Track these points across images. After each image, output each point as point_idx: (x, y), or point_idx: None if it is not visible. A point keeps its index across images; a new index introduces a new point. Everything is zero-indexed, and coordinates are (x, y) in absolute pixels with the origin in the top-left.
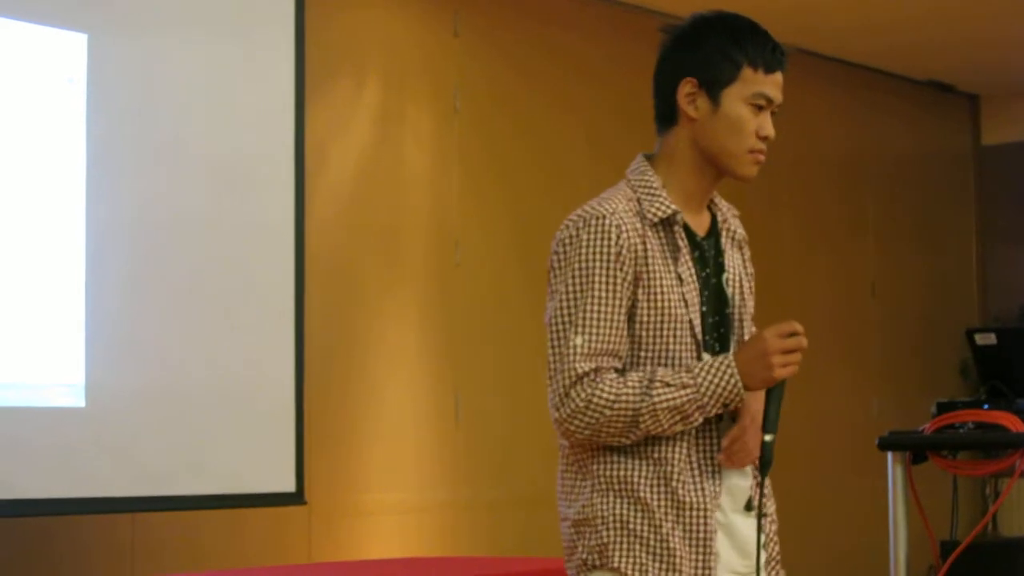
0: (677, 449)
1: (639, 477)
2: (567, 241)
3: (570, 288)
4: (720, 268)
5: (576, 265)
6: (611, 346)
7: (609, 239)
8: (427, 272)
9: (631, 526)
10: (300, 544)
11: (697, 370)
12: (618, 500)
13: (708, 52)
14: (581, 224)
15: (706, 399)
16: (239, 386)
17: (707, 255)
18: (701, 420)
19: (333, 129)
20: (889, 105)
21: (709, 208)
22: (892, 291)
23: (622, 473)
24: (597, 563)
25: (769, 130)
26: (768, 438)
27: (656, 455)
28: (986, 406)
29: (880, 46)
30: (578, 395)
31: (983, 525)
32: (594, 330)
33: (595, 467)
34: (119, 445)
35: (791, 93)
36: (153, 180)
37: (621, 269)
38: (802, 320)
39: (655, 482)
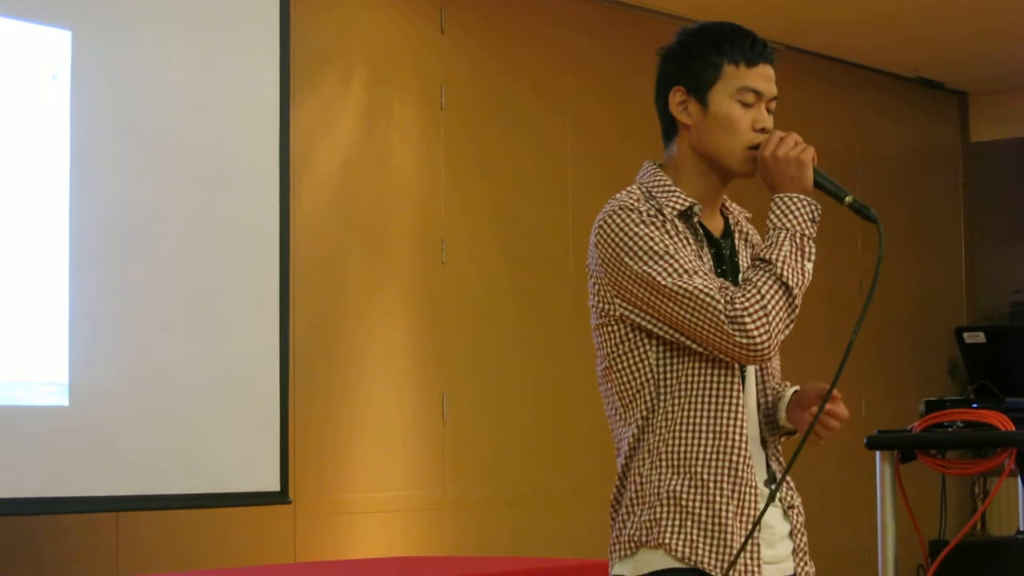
0: (736, 424)
1: (698, 451)
2: (612, 230)
3: (644, 256)
4: (735, 268)
5: (632, 240)
6: (706, 269)
7: (650, 215)
8: (413, 270)
9: (683, 502)
10: (285, 543)
11: (775, 220)
12: (675, 476)
13: (691, 59)
14: (617, 211)
15: (798, 226)
16: (223, 385)
17: (723, 253)
18: (813, 244)
19: (319, 126)
20: (878, 102)
21: (722, 212)
22: (881, 289)
23: (681, 448)
24: (645, 539)
25: (765, 121)
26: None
27: (718, 428)
28: (975, 405)
29: (869, 43)
30: (741, 307)
31: (972, 524)
32: (693, 265)
33: (655, 444)
34: (103, 444)
35: (779, 91)
36: (138, 177)
37: (672, 228)
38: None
39: (714, 456)
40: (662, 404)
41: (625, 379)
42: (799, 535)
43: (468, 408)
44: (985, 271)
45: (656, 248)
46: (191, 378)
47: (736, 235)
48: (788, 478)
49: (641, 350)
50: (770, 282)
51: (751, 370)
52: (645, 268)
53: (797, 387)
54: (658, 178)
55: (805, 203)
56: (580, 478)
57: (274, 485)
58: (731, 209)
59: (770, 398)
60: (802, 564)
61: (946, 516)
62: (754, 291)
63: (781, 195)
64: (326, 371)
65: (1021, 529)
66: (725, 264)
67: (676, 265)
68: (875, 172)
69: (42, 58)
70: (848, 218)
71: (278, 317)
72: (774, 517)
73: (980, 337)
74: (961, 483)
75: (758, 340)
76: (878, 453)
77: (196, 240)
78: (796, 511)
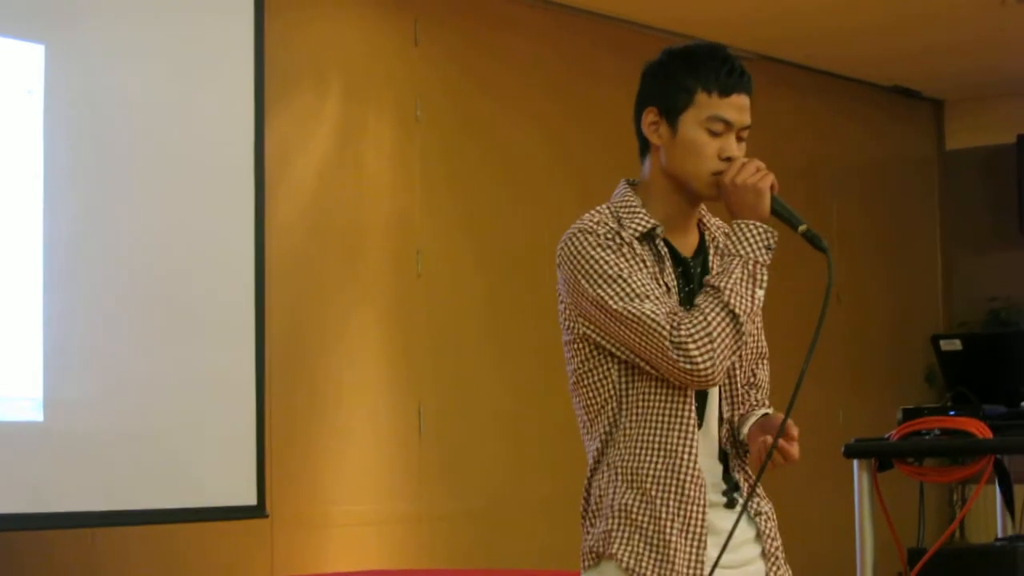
0: (686, 444)
1: (648, 468)
2: (570, 252)
3: (597, 280)
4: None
5: (588, 263)
6: (659, 292)
7: (608, 237)
8: (388, 282)
9: (633, 516)
10: (263, 557)
11: (730, 247)
12: (628, 491)
13: (667, 81)
14: (576, 233)
15: (751, 253)
16: (199, 398)
17: (691, 271)
18: (766, 271)
19: (294, 139)
20: (854, 111)
21: (699, 228)
22: (857, 298)
23: (634, 464)
24: (601, 550)
25: (731, 150)
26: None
27: (668, 446)
28: (952, 413)
29: (844, 53)
30: (686, 334)
31: (950, 532)
32: (645, 289)
33: (613, 459)
34: (78, 459)
35: (758, 102)
36: (112, 191)
37: (629, 252)
38: (767, 328)
39: (662, 474)
40: (622, 421)
41: (591, 395)
42: (769, 539)
43: (444, 420)
44: (961, 279)
45: (610, 272)
46: (166, 392)
47: (711, 252)
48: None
49: (605, 368)
50: (717, 309)
51: (713, 388)
52: (599, 291)
53: (768, 411)
54: (626, 199)
55: (760, 230)
56: (554, 490)
57: (251, 499)
58: (708, 225)
59: (738, 412)
60: (775, 569)
61: (924, 524)
62: (700, 317)
63: (738, 222)
64: (302, 384)
65: (999, 536)
66: (692, 283)
67: (628, 289)
68: (851, 181)
69: (16, 73)
70: (824, 224)
71: (253, 330)
72: (727, 521)
73: (956, 344)
74: (939, 491)
75: (701, 366)
76: (856, 461)
77: (171, 254)
78: (764, 517)
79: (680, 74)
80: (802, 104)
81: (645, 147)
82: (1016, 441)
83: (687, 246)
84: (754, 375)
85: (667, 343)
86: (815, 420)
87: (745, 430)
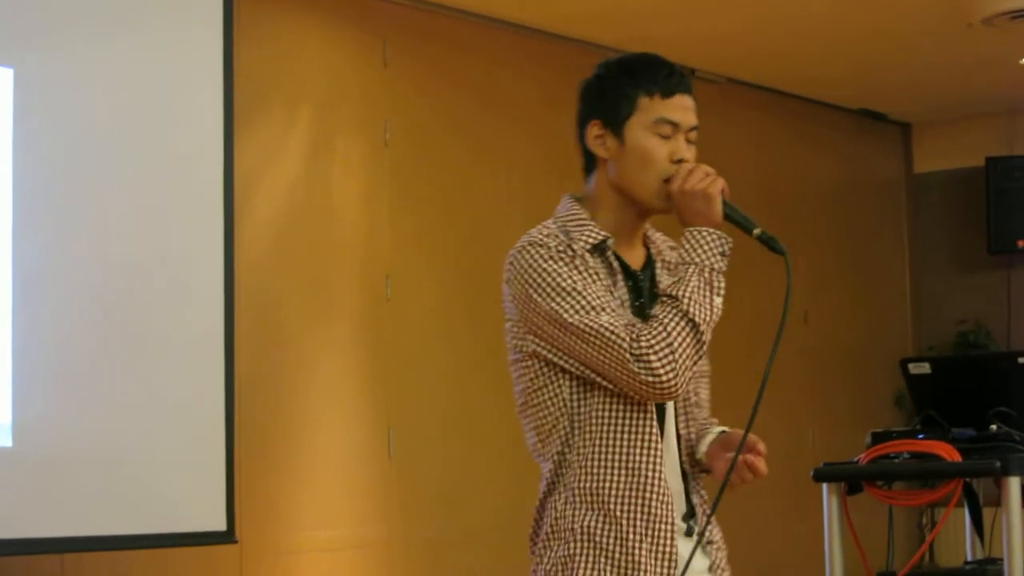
0: (650, 460)
1: (611, 488)
2: (521, 266)
3: (551, 293)
4: (654, 299)
5: (540, 277)
6: (615, 305)
7: (559, 250)
8: (358, 306)
9: (597, 538)
10: None
11: (683, 254)
12: (589, 512)
13: (607, 92)
14: (526, 247)
15: (706, 260)
16: (168, 423)
17: (641, 285)
18: (722, 278)
19: (262, 161)
20: (820, 134)
21: (644, 243)
22: (825, 321)
23: (594, 484)
24: (561, 575)
25: (683, 152)
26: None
27: (631, 465)
28: (921, 436)
29: (810, 75)
30: (647, 345)
31: (920, 555)
32: (600, 301)
33: (570, 479)
34: (47, 485)
35: (719, 124)
36: (80, 214)
37: (582, 264)
38: (733, 351)
39: (627, 493)
40: (576, 440)
41: (540, 415)
42: (720, 570)
43: (415, 445)
44: (930, 302)
45: (564, 284)
46: (135, 417)
47: (658, 266)
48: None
49: (555, 386)
50: (676, 318)
51: (671, 403)
52: (552, 305)
53: (725, 428)
54: (573, 212)
55: (714, 237)
56: (527, 514)
57: (220, 525)
58: (653, 239)
59: (693, 431)
60: None
61: (894, 548)
62: (660, 328)
63: (691, 229)
64: (271, 409)
65: (968, 560)
66: (643, 297)
67: (584, 302)
68: (818, 205)
69: None
70: (791, 247)
71: (223, 353)
72: (685, 548)
73: (925, 368)
74: (908, 514)
75: (664, 378)
76: (825, 485)
77: (139, 278)
78: (715, 546)
79: (619, 83)
80: (767, 127)
81: (590, 163)
82: (985, 464)
83: (635, 260)
84: (697, 393)
85: (627, 355)
86: (784, 444)
87: (704, 448)
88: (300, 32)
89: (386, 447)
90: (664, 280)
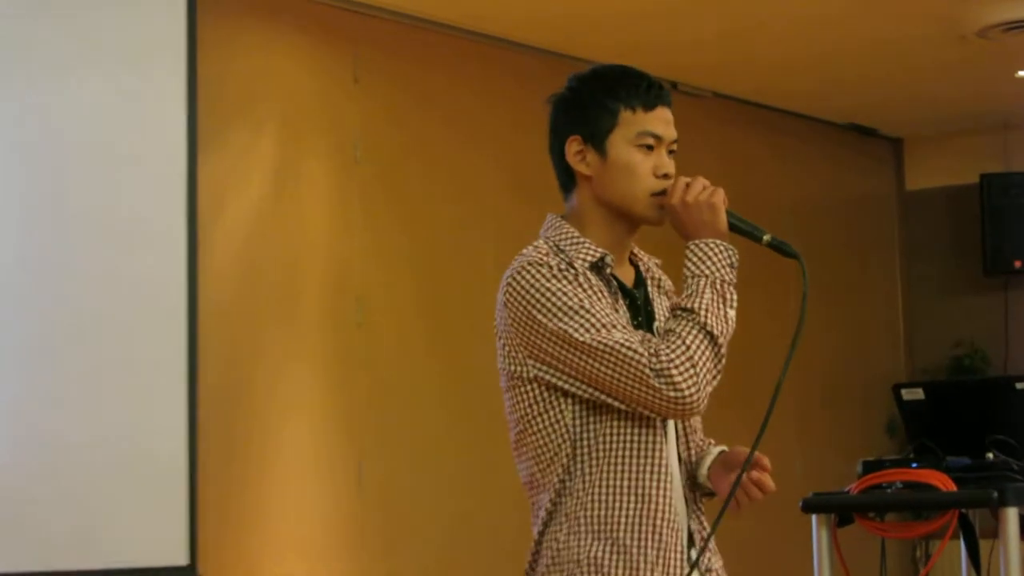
0: (661, 485)
1: (620, 515)
2: (522, 287)
3: (557, 313)
4: (651, 318)
5: (544, 297)
6: (625, 321)
7: (561, 268)
8: (328, 333)
9: (605, 569)
10: None
11: (692, 267)
12: (595, 542)
13: (585, 107)
14: (526, 266)
15: (717, 272)
16: (128, 456)
17: (638, 304)
18: (734, 290)
19: (227, 182)
20: (807, 151)
21: (631, 261)
22: (813, 345)
23: (601, 513)
24: None
25: (667, 166)
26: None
27: (641, 491)
28: (914, 465)
29: (797, 88)
30: (667, 359)
31: None
32: (610, 318)
33: (573, 508)
34: (7, 519)
35: (701, 139)
36: (40, 238)
37: (586, 282)
38: (731, 368)
39: (637, 520)
40: (580, 466)
41: (540, 443)
42: None
43: (386, 478)
44: (923, 325)
45: (570, 303)
46: (95, 450)
47: (649, 283)
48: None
49: (556, 410)
50: (694, 332)
51: (671, 426)
52: (560, 325)
53: (724, 447)
54: (564, 230)
55: (722, 248)
56: (502, 549)
57: (182, 559)
58: (640, 257)
59: (693, 454)
60: None
61: None
62: (679, 342)
63: (696, 241)
64: (236, 440)
65: None
66: (640, 315)
67: (593, 320)
68: (807, 223)
69: None
70: (777, 268)
71: (186, 383)
72: None
73: (919, 393)
74: (902, 547)
75: (687, 393)
76: (814, 517)
77: (100, 304)
78: (715, 574)
79: (598, 96)
80: (753, 142)
81: (570, 180)
82: (981, 495)
83: (626, 278)
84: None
85: (647, 371)
86: (773, 471)
87: (704, 471)
88: (267, 47)
89: (356, 479)
90: (657, 300)
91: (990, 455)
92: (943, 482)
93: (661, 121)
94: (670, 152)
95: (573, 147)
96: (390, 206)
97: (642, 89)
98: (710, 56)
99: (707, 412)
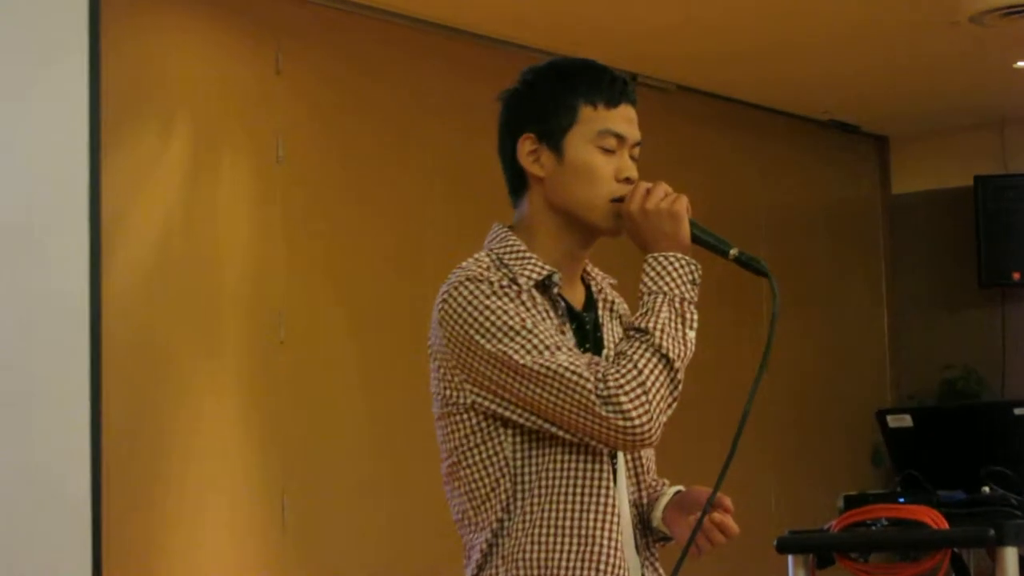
0: (606, 526)
1: (561, 558)
2: (459, 304)
3: (497, 333)
4: (600, 344)
5: (483, 315)
6: (571, 344)
7: (503, 285)
8: (247, 352)
9: None
10: None
11: (650, 283)
12: None
13: (541, 102)
14: (464, 282)
15: (676, 289)
16: (26, 492)
17: (586, 328)
18: (694, 309)
19: (134, 185)
20: (781, 150)
21: (583, 279)
22: (790, 367)
23: (541, 556)
24: None
25: (629, 170)
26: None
27: (584, 532)
28: (902, 500)
29: (770, 80)
30: (615, 385)
31: None
32: (555, 340)
33: (511, 550)
34: None
35: (664, 137)
36: None
37: (530, 300)
38: (682, 405)
39: (579, 564)
40: (519, 504)
41: (476, 476)
42: None
43: (312, 512)
44: (911, 343)
45: (511, 322)
46: None
47: (600, 306)
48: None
49: (495, 441)
50: (648, 355)
51: (622, 462)
52: (499, 346)
53: (680, 487)
54: (510, 243)
55: (683, 262)
56: None
57: None
58: (593, 276)
59: (644, 495)
60: None
61: None
62: (630, 366)
63: (655, 255)
64: (145, 473)
65: None
66: (589, 341)
67: (536, 341)
68: (781, 231)
69: None
70: (749, 280)
71: (88, 411)
72: None
73: (906, 420)
74: None
75: (637, 422)
76: (791, 558)
77: None
78: None
79: (556, 90)
80: (723, 141)
81: (521, 183)
82: (977, 532)
83: (576, 299)
84: (640, 454)
85: (593, 398)
86: (742, 509)
87: (659, 514)
88: (178, 37)
89: (280, 517)
90: (609, 325)
91: (986, 488)
92: (934, 519)
93: (625, 120)
94: (632, 156)
95: (526, 146)
96: (315, 211)
97: (605, 84)
98: (673, 45)
99: (681, 445)
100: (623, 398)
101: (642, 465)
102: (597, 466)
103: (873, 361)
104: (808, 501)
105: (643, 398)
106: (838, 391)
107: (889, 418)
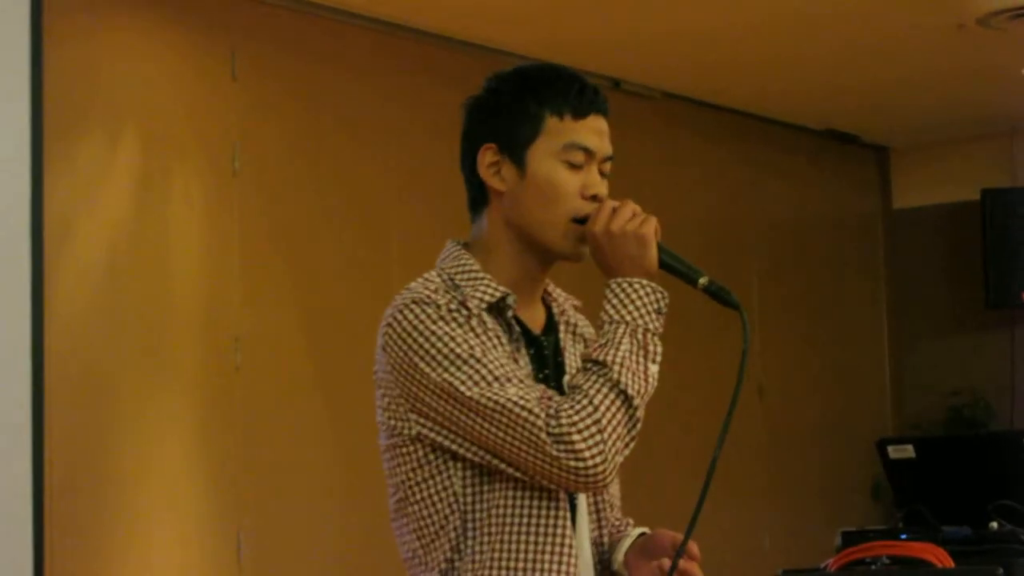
0: (563, 569)
1: None
2: (404, 329)
3: (443, 362)
4: (560, 370)
5: (429, 342)
6: (522, 375)
7: (451, 308)
8: (200, 379)
9: None
10: None
11: (611, 311)
12: None
13: (504, 111)
14: (409, 305)
15: (640, 319)
16: None
17: (545, 353)
18: (659, 341)
19: (78, 199)
20: (776, 161)
21: (544, 300)
22: (784, 393)
23: None
24: None
25: (596, 187)
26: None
27: (538, 573)
28: (904, 536)
29: (763, 87)
30: (568, 422)
31: None
32: (505, 370)
33: None
34: None
35: (647, 146)
36: None
37: (480, 326)
38: (667, 433)
39: None
40: (470, 543)
41: (424, 513)
42: None
43: (269, 550)
44: (914, 369)
45: (458, 350)
46: None
47: (561, 329)
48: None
49: (444, 476)
50: (604, 390)
51: (583, 498)
52: (445, 376)
53: (645, 529)
54: (462, 262)
55: (649, 290)
56: None
57: None
58: (555, 297)
59: (606, 535)
60: None
61: None
62: (584, 401)
63: (619, 280)
64: (90, 510)
65: None
66: (548, 367)
67: (484, 371)
68: (774, 247)
69: None
70: (742, 299)
71: (30, 443)
72: None
73: (909, 451)
74: None
75: (591, 463)
76: None
77: None
78: None
79: (520, 99)
80: (714, 151)
81: (481, 197)
82: (984, 571)
83: (535, 321)
84: (607, 489)
85: (543, 436)
86: (731, 546)
87: (620, 557)
88: (126, 33)
89: (235, 553)
90: (571, 349)
91: (994, 524)
92: (938, 557)
93: (594, 132)
94: (603, 173)
95: (487, 157)
96: (275, 226)
97: (573, 93)
98: (658, 50)
99: (645, 484)
100: (576, 436)
101: (604, 501)
102: (554, 503)
103: (873, 387)
104: (803, 538)
105: (597, 437)
106: (835, 419)
107: (890, 448)
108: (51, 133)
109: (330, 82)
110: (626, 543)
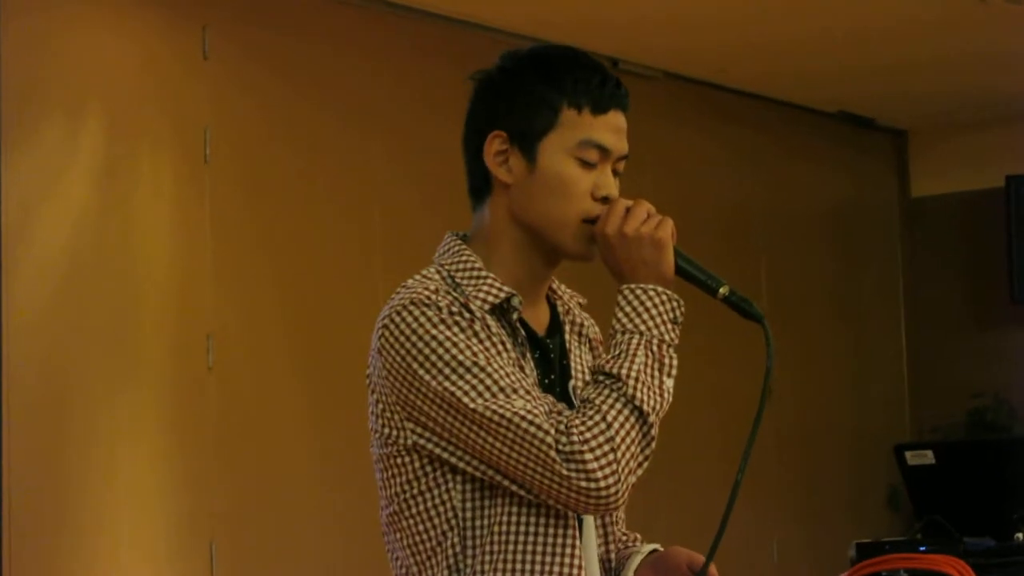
0: None
1: None
2: (401, 332)
3: (443, 369)
4: (566, 374)
5: (428, 347)
6: (529, 384)
7: (453, 311)
8: (170, 380)
9: None
10: None
11: (625, 320)
12: None
13: (518, 97)
14: (408, 307)
15: (655, 330)
16: None
17: (550, 356)
18: (674, 354)
19: (38, 188)
20: (788, 145)
21: (548, 299)
22: (796, 396)
23: None
24: None
25: (608, 187)
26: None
27: None
28: (923, 548)
29: (774, 70)
30: (580, 440)
31: None
32: (511, 380)
33: None
34: None
35: (648, 130)
36: None
37: (484, 330)
38: (675, 437)
39: None
40: (470, 562)
41: (420, 528)
42: None
43: (244, 561)
44: (932, 369)
45: (461, 357)
46: None
47: (567, 329)
48: None
49: (442, 489)
50: (618, 406)
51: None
52: (446, 384)
53: (657, 546)
54: (463, 259)
55: (665, 298)
56: None
57: None
58: (560, 295)
59: (612, 552)
60: None
61: None
62: (597, 418)
63: (632, 286)
64: (52, 522)
65: None
66: (553, 372)
67: (488, 381)
68: (789, 237)
69: None
70: (751, 293)
71: None
72: None
73: (928, 457)
74: None
75: (603, 484)
76: None
77: None
78: None
79: (537, 86)
80: (724, 136)
81: (484, 186)
82: None
83: (539, 321)
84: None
85: (552, 454)
86: (739, 560)
87: (630, 574)
88: (89, 16)
89: (208, 565)
90: (577, 350)
91: (1019, 535)
92: (960, 570)
93: (612, 129)
94: (615, 171)
95: (494, 145)
96: (249, 216)
97: (594, 84)
98: (660, 28)
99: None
100: (588, 455)
101: (611, 517)
102: (562, 520)
103: (890, 389)
104: (814, 549)
105: (610, 456)
106: (849, 423)
107: (908, 454)
108: (7, 115)
109: (309, 61)
110: (636, 559)
